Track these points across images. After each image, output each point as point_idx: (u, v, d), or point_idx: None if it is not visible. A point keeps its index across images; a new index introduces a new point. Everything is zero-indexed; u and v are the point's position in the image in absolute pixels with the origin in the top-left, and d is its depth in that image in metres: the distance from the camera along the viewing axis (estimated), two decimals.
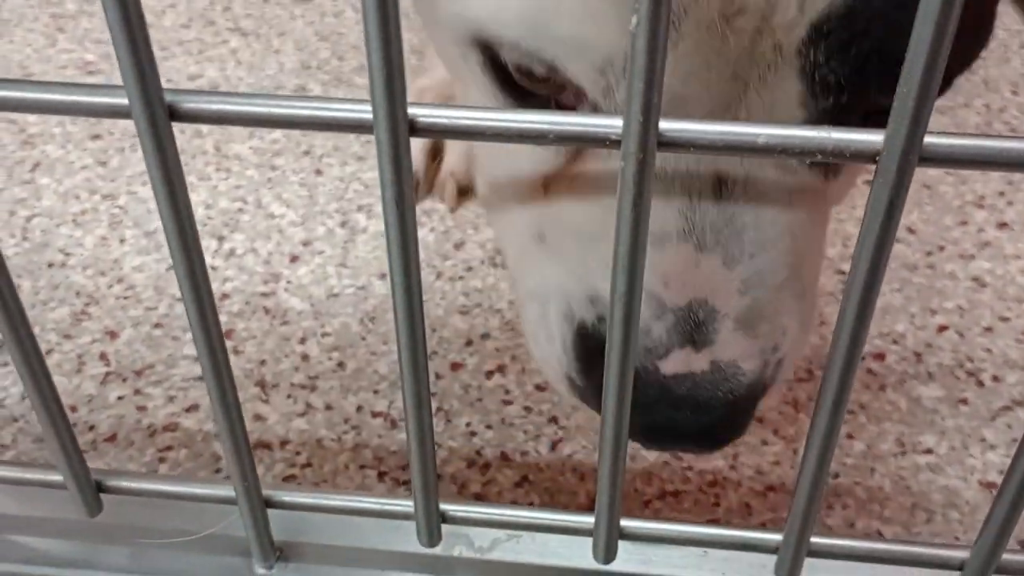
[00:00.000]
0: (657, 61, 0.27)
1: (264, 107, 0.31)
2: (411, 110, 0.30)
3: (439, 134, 0.31)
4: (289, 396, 0.64)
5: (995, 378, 0.65)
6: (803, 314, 0.46)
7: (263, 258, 0.74)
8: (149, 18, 0.96)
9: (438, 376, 0.65)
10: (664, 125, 0.29)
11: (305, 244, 0.75)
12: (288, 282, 0.72)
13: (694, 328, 0.42)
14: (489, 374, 0.65)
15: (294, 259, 0.74)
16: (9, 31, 0.95)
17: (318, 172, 0.81)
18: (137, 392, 0.64)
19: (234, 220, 0.76)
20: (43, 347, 0.67)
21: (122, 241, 0.75)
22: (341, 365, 0.66)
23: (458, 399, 0.64)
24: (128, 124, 0.80)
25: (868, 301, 0.31)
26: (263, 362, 0.66)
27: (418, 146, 0.78)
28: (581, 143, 0.31)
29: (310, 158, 0.82)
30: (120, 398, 0.64)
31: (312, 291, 0.71)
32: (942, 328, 0.68)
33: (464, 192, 0.77)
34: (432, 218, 0.77)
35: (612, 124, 0.30)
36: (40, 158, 0.82)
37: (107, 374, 0.65)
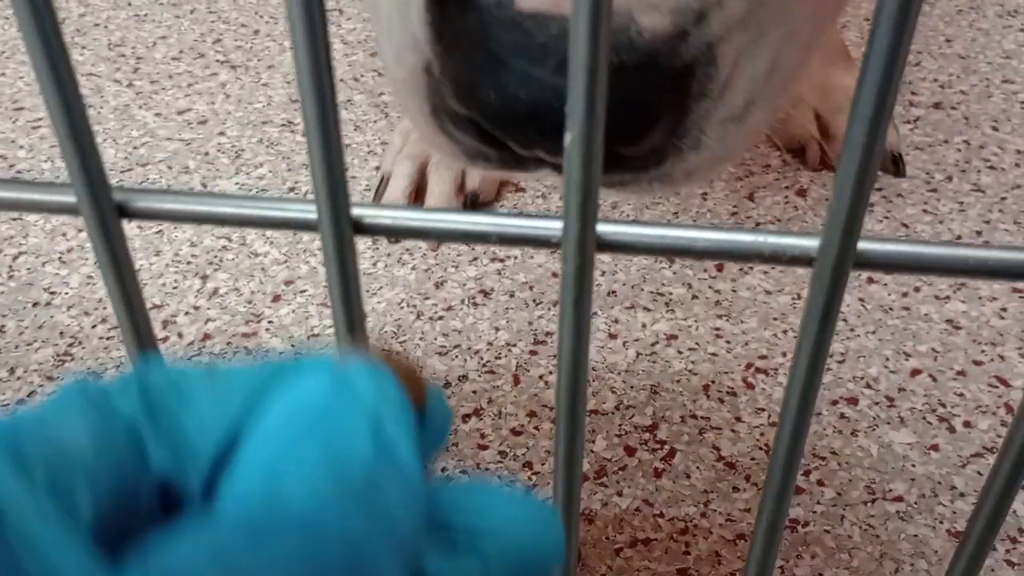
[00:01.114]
0: (593, 174, 0.28)
1: (213, 206, 0.32)
2: (355, 211, 0.31)
3: (383, 232, 0.32)
4: None
5: (967, 424, 0.65)
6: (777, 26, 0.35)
7: (246, 297, 0.74)
8: (140, 50, 0.97)
9: None
10: (602, 228, 0.30)
11: (288, 283, 0.76)
12: (270, 322, 0.72)
13: None
14: (465, 417, 0.66)
15: (276, 299, 0.74)
16: (1, 64, 0.96)
17: None
18: None
19: (218, 258, 0.77)
20: (25, 389, 0.68)
21: None
22: None
23: None
24: (116, 160, 0.81)
25: (806, 407, 0.32)
26: None
27: (400, 186, 0.79)
28: (523, 245, 0.31)
29: (295, 195, 0.83)
30: None
31: (293, 331, 0.72)
32: (915, 372, 0.69)
33: None
34: (414, 256, 0.78)
35: (552, 227, 0.31)
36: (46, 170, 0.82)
37: None
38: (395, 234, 0.31)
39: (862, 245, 0.29)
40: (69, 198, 0.32)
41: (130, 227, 0.80)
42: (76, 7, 1.03)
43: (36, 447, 0.21)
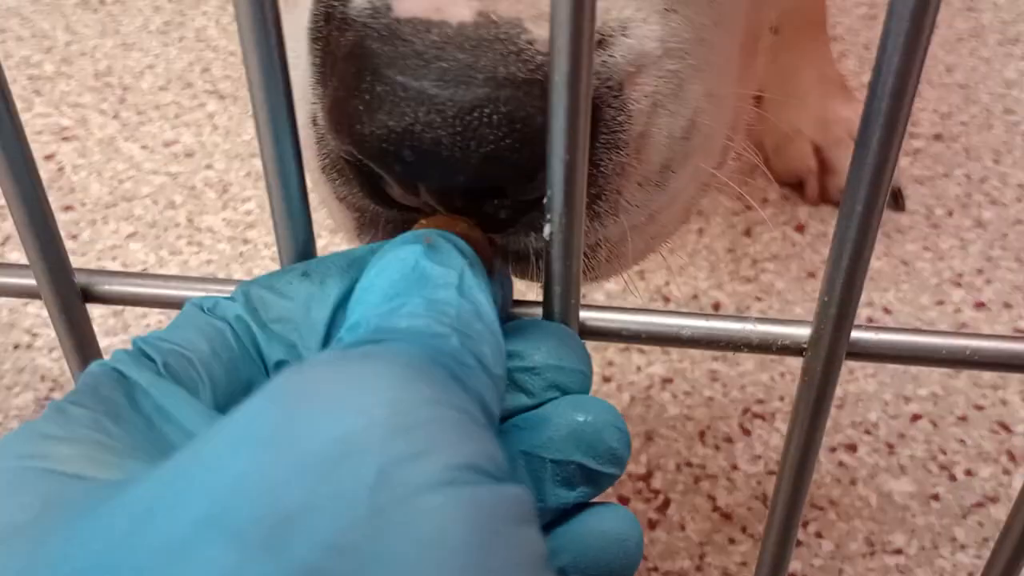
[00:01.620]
0: (574, 265, 0.27)
1: (181, 290, 0.30)
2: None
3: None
4: None
5: (968, 472, 0.64)
6: (665, 26, 0.31)
7: None
8: (127, 80, 0.95)
9: None
10: (585, 315, 0.29)
11: None
12: None
13: None
14: None
15: None
16: None
17: None
18: None
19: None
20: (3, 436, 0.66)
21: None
22: None
23: None
24: (100, 195, 0.79)
25: (798, 497, 0.30)
26: None
27: None
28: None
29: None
30: None
31: None
32: (915, 417, 0.67)
33: None
34: None
35: (532, 314, 0.29)
36: (10, 231, 0.81)
37: None
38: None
39: (856, 335, 0.28)
40: (29, 281, 0.30)
41: (115, 265, 0.78)
42: (62, 35, 1.02)
43: (162, 353, 0.26)
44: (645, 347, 0.72)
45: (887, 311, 0.74)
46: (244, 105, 0.94)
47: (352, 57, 0.28)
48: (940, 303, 0.75)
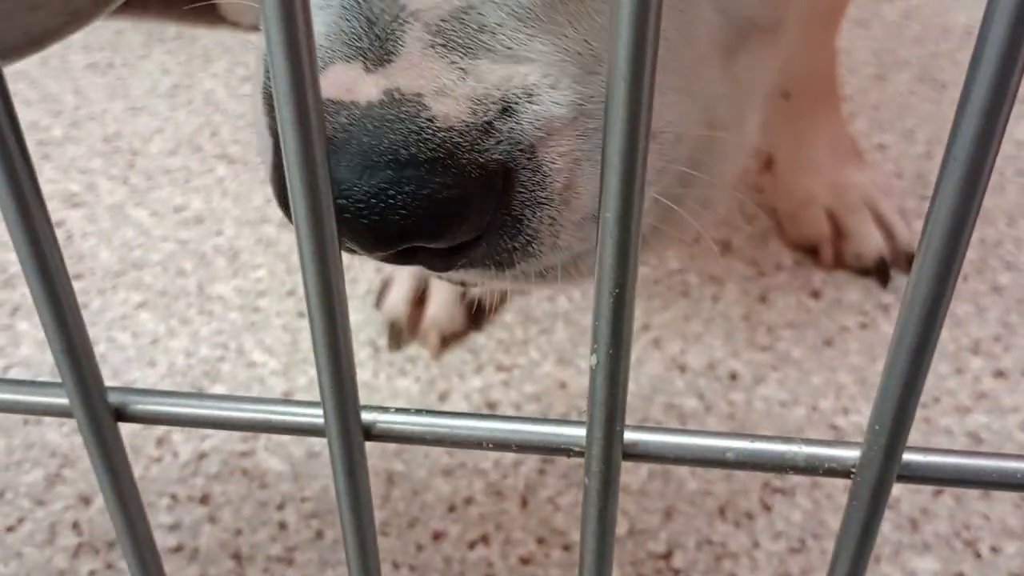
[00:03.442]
0: (619, 394, 0.26)
1: (214, 409, 0.30)
2: (365, 416, 0.29)
3: (396, 439, 0.29)
4: (265, 570, 0.62)
5: (993, 549, 0.63)
6: (581, 89, 0.31)
7: None
8: (136, 144, 0.95)
9: (419, 547, 0.63)
10: (629, 436, 0.28)
11: (286, 395, 0.73)
12: (268, 439, 0.70)
13: (366, 29, 0.30)
14: (472, 545, 0.64)
15: None
16: None
17: (301, 314, 0.79)
18: (109, 567, 0.62)
19: (215, 370, 0.75)
20: (15, 515, 0.65)
21: None
22: (319, 535, 0.64)
23: (440, 573, 0.62)
24: (110, 263, 0.79)
25: None
26: (239, 531, 0.64)
27: (401, 292, 0.76)
28: (543, 452, 0.29)
29: (294, 299, 0.81)
30: (92, 572, 0.62)
31: (292, 450, 0.69)
32: (938, 492, 0.66)
33: (448, 340, 0.76)
34: (416, 365, 0.75)
35: (575, 434, 0.29)
36: (20, 302, 0.81)
37: (79, 545, 0.64)
38: (408, 441, 0.29)
39: (907, 457, 0.27)
40: (61, 400, 0.30)
41: (125, 335, 0.78)
42: (72, 99, 1.02)
43: None
44: (662, 418, 0.71)
45: None
46: (254, 170, 0.94)
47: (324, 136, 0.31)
48: (959, 371, 0.74)
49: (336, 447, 0.29)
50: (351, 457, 0.29)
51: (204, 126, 0.99)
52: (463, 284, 0.40)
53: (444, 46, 0.30)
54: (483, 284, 0.39)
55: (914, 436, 0.69)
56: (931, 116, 0.98)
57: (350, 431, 0.28)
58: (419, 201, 0.29)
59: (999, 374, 0.74)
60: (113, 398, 0.29)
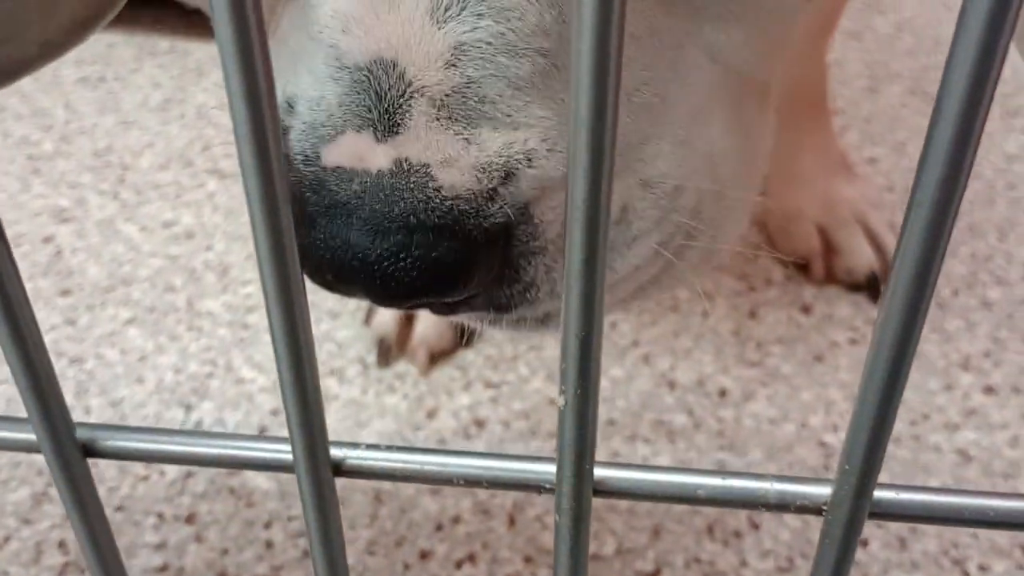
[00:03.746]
0: (588, 434, 0.26)
1: (183, 446, 0.30)
2: (335, 452, 0.29)
3: (365, 475, 0.29)
4: None
5: (981, 567, 0.63)
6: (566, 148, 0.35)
7: (231, 429, 0.72)
8: (126, 158, 0.95)
9: (406, 566, 0.63)
10: (600, 473, 0.28)
11: (274, 413, 0.73)
12: None
13: (375, 103, 0.32)
14: (459, 564, 0.63)
15: (263, 430, 0.72)
16: None
17: None
18: None
19: (203, 386, 0.75)
20: (1, 534, 0.65)
21: (87, 411, 0.73)
22: (306, 554, 0.64)
23: None
24: (98, 279, 0.78)
25: None
26: (226, 551, 0.64)
27: (389, 312, 0.76)
28: (513, 489, 0.29)
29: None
30: None
31: None
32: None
33: (437, 357, 0.76)
34: (405, 383, 0.75)
35: (545, 471, 0.29)
36: None
37: (65, 564, 0.64)
38: (377, 477, 0.29)
39: (878, 494, 0.27)
40: (28, 436, 0.29)
41: (113, 351, 0.78)
42: (62, 113, 1.02)
43: None
44: (650, 435, 0.71)
45: None
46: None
47: (296, 201, 0.33)
48: (948, 387, 0.74)
49: (305, 484, 0.28)
50: (321, 494, 0.29)
51: (195, 140, 0.99)
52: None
53: (448, 118, 0.32)
54: (485, 327, 0.40)
55: (903, 453, 0.69)
56: (923, 129, 0.98)
57: (319, 468, 0.28)
58: (428, 264, 0.32)
59: (989, 390, 0.74)
60: (81, 434, 0.29)
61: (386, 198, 0.32)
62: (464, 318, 0.39)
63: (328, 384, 0.75)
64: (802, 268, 0.82)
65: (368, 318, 0.78)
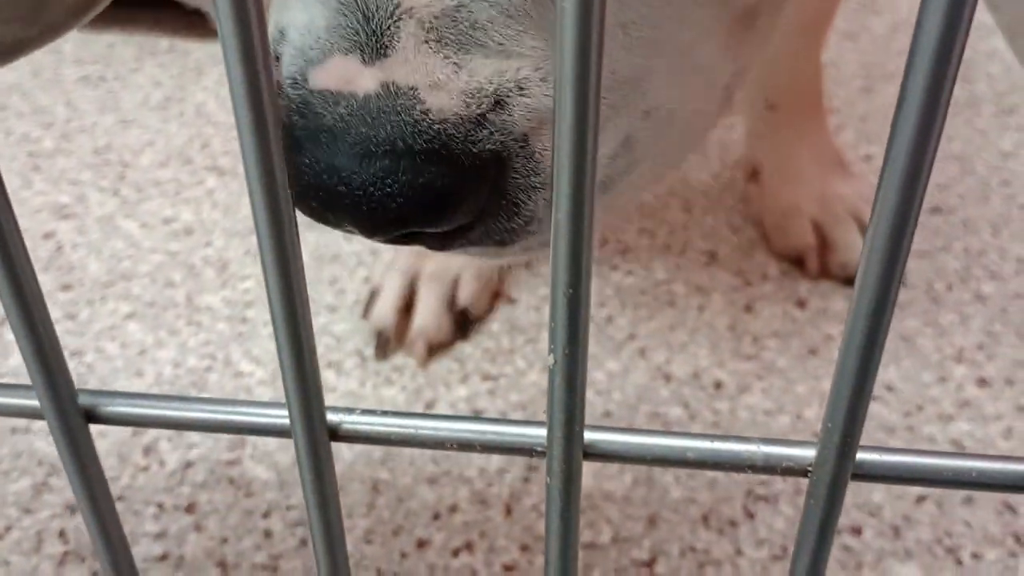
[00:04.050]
0: (577, 394, 0.27)
1: (182, 411, 0.30)
2: (331, 416, 0.30)
3: (361, 440, 0.30)
4: None
5: (974, 555, 0.63)
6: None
7: None
8: (126, 156, 0.96)
9: (403, 555, 0.64)
10: (590, 436, 0.29)
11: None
12: (254, 447, 0.70)
13: (363, 23, 0.31)
14: (456, 552, 0.64)
15: None
16: None
17: None
18: (94, 575, 0.63)
19: (202, 380, 0.75)
20: (2, 524, 0.66)
21: None
22: (304, 543, 0.65)
23: None
24: (99, 274, 0.79)
25: None
26: (225, 540, 0.65)
27: (389, 301, 0.77)
28: (506, 453, 0.30)
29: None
30: None
31: (278, 458, 0.70)
32: (921, 499, 0.67)
33: (435, 349, 0.76)
34: (403, 375, 0.76)
35: (536, 434, 0.29)
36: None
37: (65, 554, 0.64)
38: (374, 442, 0.30)
39: (861, 456, 0.28)
40: (31, 402, 0.30)
41: (113, 345, 0.78)
42: (63, 111, 1.02)
43: None
44: (646, 427, 0.71)
45: (889, 389, 0.74)
46: (243, 181, 0.94)
47: (281, 124, 0.33)
48: (942, 380, 0.74)
49: (302, 447, 0.29)
50: (317, 457, 0.29)
51: (195, 138, 0.99)
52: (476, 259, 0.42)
53: (438, 42, 0.31)
54: (485, 259, 0.40)
55: (897, 443, 0.69)
56: None
57: (315, 431, 0.29)
58: (415, 189, 0.31)
59: (982, 382, 0.74)
60: (83, 400, 0.30)
61: (372, 121, 0.31)
62: (461, 251, 0.38)
63: (326, 376, 0.75)
64: (797, 263, 0.83)
65: (366, 311, 0.79)
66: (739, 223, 0.87)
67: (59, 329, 0.79)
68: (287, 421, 0.29)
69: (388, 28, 0.31)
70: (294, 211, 0.25)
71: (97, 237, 0.88)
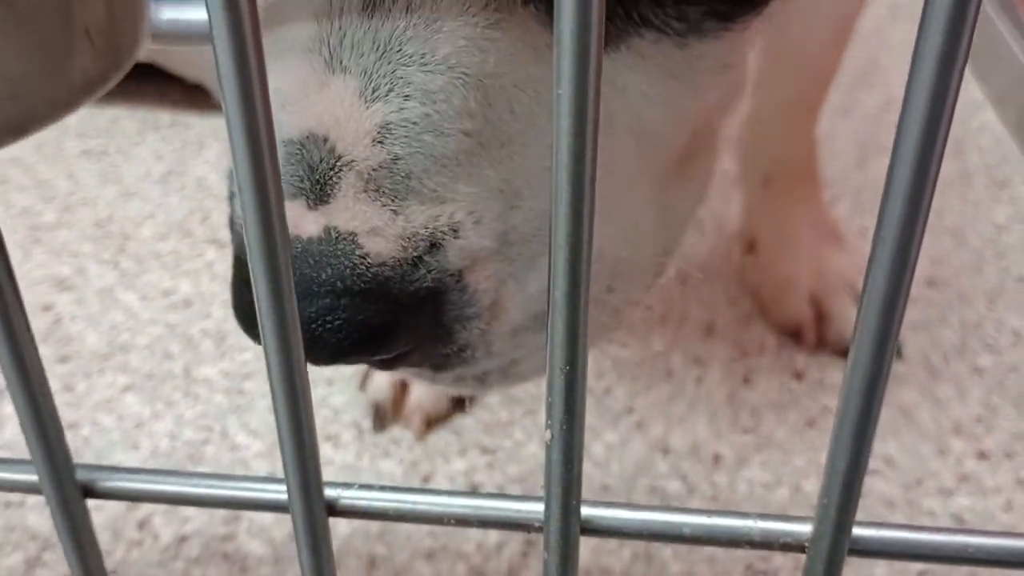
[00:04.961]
0: (574, 467, 0.27)
1: (180, 486, 0.30)
2: (329, 492, 0.30)
3: (359, 515, 0.30)
4: None
5: None
6: (504, 222, 0.35)
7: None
8: (127, 228, 0.96)
9: None
10: (587, 512, 0.29)
11: (269, 476, 0.73)
12: (250, 522, 0.70)
13: (307, 173, 0.33)
14: None
15: None
16: None
17: None
18: None
19: (198, 452, 0.75)
20: None
21: None
22: None
23: None
24: (97, 346, 0.79)
25: None
26: None
27: (385, 375, 0.77)
28: (504, 528, 0.30)
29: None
30: None
31: (274, 533, 0.69)
32: (921, 574, 0.66)
33: (433, 422, 0.76)
34: (400, 447, 0.76)
35: (534, 510, 0.29)
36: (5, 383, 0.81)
37: None
38: (372, 517, 0.30)
39: (858, 531, 0.28)
40: (30, 477, 0.30)
41: (110, 417, 0.78)
42: (64, 184, 1.03)
43: None
44: (644, 501, 0.71)
45: (888, 462, 0.74)
46: None
47: (235, 260, 0.36)
48: (942, 452, 0.74)
49: (300, 523, 0.29)
50: (315, 533, 0.29)
51: (195, 211, 1.00)
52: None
53: (376, 191, 0.33)
54: (426, 384, 0.43)
55: (898, 518, 0.69)
56: None
57: (313, 507, 0.29)
58: (355, 326, 0.34)
59: (982, 455, 0.74)
60: (81, 475, 0.30)
61: (315, 263, 0.33)
62: (403, 374, 0.41)
63: (324, 449, 0.75)
64: (794, 335, 0.83)
65: (363, 384, 0.79)
66: (736, 295, 0.87)
67: (56, 401, 0.79)
68: (285, 496, 0.29)
69: (330, 178, 0.33)
70: (293, 286, 0.25)
71: (96, 309, 0.88)
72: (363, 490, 0.29)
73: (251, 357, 0.83)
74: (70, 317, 0.87)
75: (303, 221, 0.33)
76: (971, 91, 1.15)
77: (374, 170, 0.33)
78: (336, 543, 0.68)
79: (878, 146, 1.08)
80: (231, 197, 0.39)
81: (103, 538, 0.69)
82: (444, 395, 0.77)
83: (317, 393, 0.80)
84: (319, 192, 0.33)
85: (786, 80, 0.77)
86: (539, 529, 0.29)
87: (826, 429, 0.76)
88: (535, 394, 0.80)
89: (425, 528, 0.69)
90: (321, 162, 0.33)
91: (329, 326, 0.34)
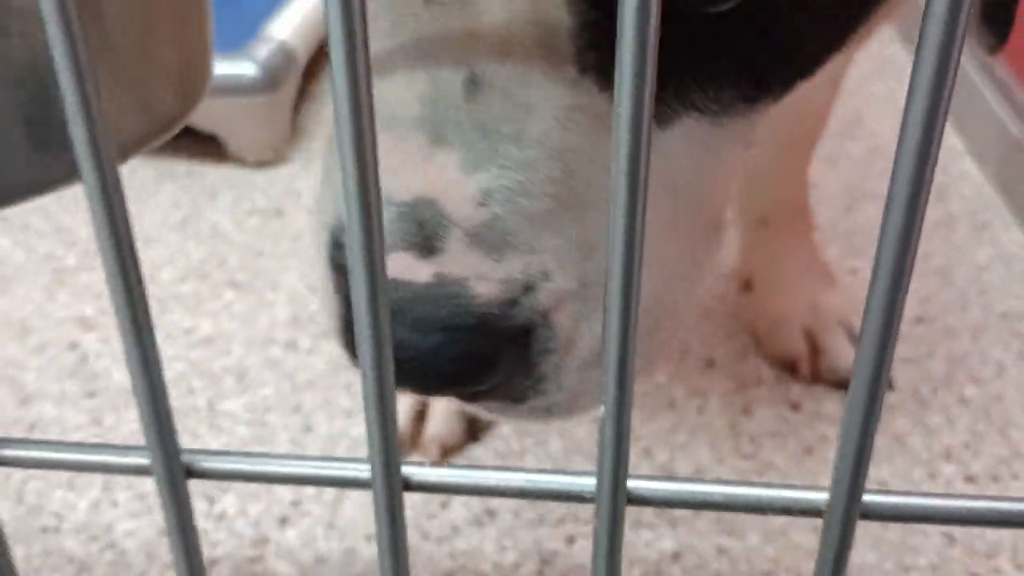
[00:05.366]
0: (623, 437, 0.31)
1: (273, 467, 0.34)
2: (405, 469, 0.33)
3: (432, 490, 0.34)
4: None
5: None
6: (581, 269, 0.41)
7: (253, 519, 0.75)
8: (148, 271, 1.00)
9: None
10: (633, 484, 0.32)
11: (294, 504, 0.77)
12: (277, 545, 0.73)
13: (418, 230, 0.39)
14: None
15: (283, 520, 0.75)
16: (10, 288, 1.00)
17: (306, 428, 0.83)
18: None
19: (221, 483, 0.78)
20: None
21: (115, 504, 0.77)
22: None
23: None
24: (123, 382, 0.82)
25: None
26: None
27: (403, 408, 0.81)
28: (557, 500, 0.34)
29: (299, 415, 0.85)
30: None
31: (301, 556, 0.73)
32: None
33: (448, 452, 0.80)
34: None
35: (585, 483, 0.33)
36: (36, 418, 0.84)
37: None
38: (443, 491, 0.34)
39: (868, 498, 0.32)
40: (142, 460, 0.34)
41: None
42: (85, 231, 1.07)
43: None
44: (653, 521, 0.75)
45: (884, 487, 0.78)
46: (260, 295, 0.99)
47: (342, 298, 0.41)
48: (932, 476, 0.78)
49: (380, 498, 0.33)
50: (393, 506, 0.33)
51: (211, 255, 1.04)
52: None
53: (480, 245, 0.39)
54: (499, 417, 0.49)
55: (891, 536, 0.73)
56: None
57: (393, 484, 0.33)
58: (465, 357, 0.40)
59: (969, 479, 0.78)
60: (185, 457, 0.34)
61: (430, 304, 0.39)
62: (484, 407, 0.46)
63: None
64: (790, 368, 0.88)
65: None
66: (734, 330, 0.92)
67: (84, 435, 0.82)
68: (368, 474, 0.33)
69: (438, 234, 0.39)
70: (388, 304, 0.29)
71: (121, 347, 0.91)
72: (434, 467, 0.33)
73: (271, 392, 0.87)
74: (96, 355, 0.91)
75: (416, 269, 0.39)
76: (952, 142, 1.20)
77: (478, 227, 0.39)
78: (360, 566, 0.72)
79: (865, 192, 1.13)
80: (332, 247, 0.43)
81: (137, 561, 0.72)
82: (459, 426, 0.81)
83: (336, 425, 0.84)
84: (429, 245, 0.39)
85: (782, 131, 0.82)
86: (591, 500, 0.33)
87: (823, 457, 0.80)
88: (544, 427, 0.84)
89: (445, 548, 0.73)
90: (431, 220, 0.39)
91: (443, 357, 0.39)
